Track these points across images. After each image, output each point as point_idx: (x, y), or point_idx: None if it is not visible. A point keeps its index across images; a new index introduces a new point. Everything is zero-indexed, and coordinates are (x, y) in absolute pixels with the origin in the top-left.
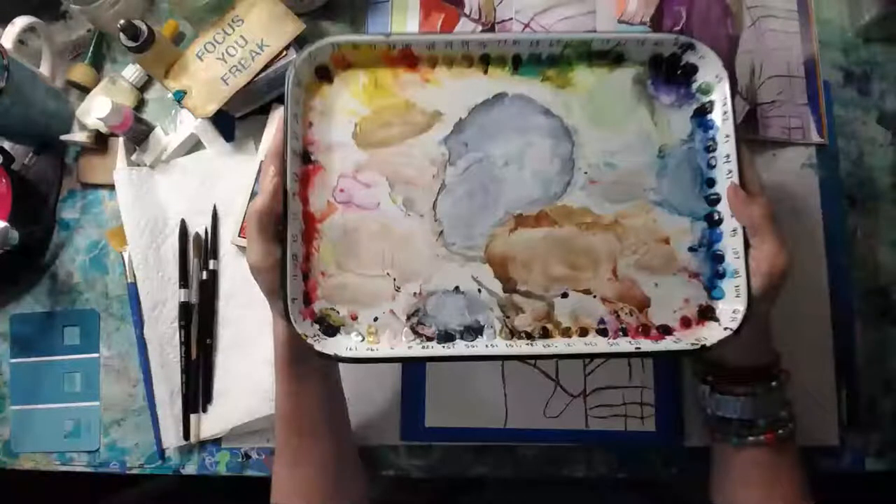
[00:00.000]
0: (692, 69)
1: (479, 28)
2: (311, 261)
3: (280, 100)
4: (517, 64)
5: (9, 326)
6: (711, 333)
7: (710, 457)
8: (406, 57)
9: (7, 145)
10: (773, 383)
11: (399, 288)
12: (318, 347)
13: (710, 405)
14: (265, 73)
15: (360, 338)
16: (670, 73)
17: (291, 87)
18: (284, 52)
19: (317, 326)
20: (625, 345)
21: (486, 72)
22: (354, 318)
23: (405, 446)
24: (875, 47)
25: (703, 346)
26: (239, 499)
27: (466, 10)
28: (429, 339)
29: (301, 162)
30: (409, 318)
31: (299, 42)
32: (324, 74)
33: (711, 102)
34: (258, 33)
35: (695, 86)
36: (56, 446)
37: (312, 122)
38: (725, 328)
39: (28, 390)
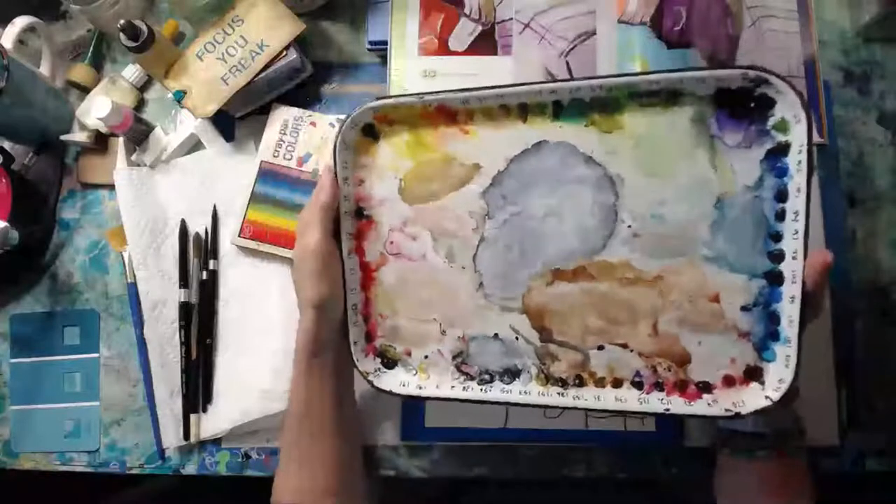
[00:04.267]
0: (768, 102)
1: (479, 28)
2: (370, 305)
3: (280, 99)
4: (558, 110)
5: (9, 326)
6: (751, 399)
7: (716, 464)
8: (443, 112)
9: (7, 145)
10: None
11: (445, 331)
12: (376, 383)
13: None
14: (265, 73)
15: (413, 372)
16: (739, 108)
17: (339, 151)
18: (284, 52)
19: (378, 360)
20: (655, 403)
21: (524, 120)
22: (409, 354)
23: (405, 446)
24: (875, 47)
25: (738, 414)
26: (239, 499)
27: (466, 10)
28: (471, 377)
29: (355, 219)
30: (454, 357)
31: (299, 42)
32: (370, 132)
33: (788, 143)
34: (258, 33)
35: (771, 121)
36: (56, 446)
37: (363, 179)
38: (766, 397)
39: (28, 390)
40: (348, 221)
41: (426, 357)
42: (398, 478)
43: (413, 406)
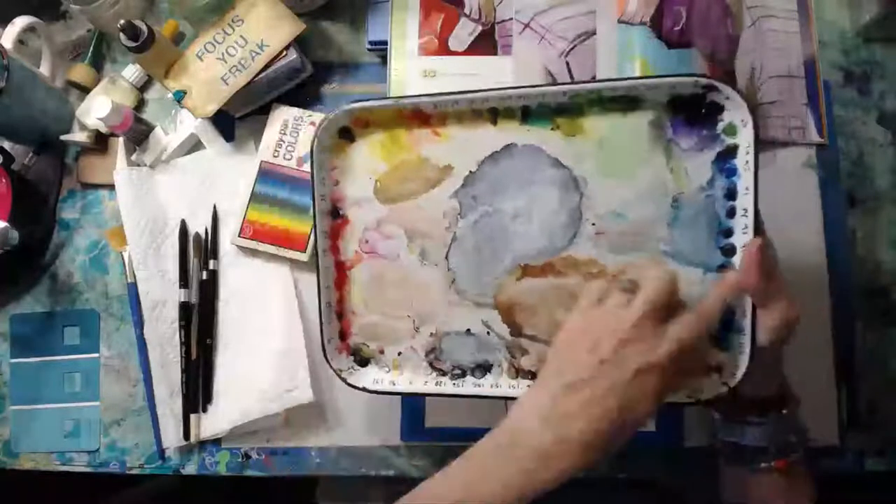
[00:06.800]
0: (717, 108)
1: (479, 28)
2: (343, 303)
3: (280, 99)
4: (526, 114)
5: (9, 326)
6: (708, 385)
7: (719, 476)
8: (418, 115)
9: (7, 145)
10: (784, 411)
11: (418, 328)
12: (350, 380)
13: (721, 431)
14: (265, 73)
15: (386, 369)
16: (692, 113)
17: (316, 153)
18: (284, 52)
19: (351, 359)
20: None
21: (495, 123)
22: (382, 352)
23: (405, 446)
24: (875, 47)
25: (698, 400)
26: (239, 499)
27: (466, 10)
28: (444, 373)
29: (331, 218)
30: (427, 354)
31: (299, 42)
32: (346, 135)
33: (736, 146)
34: (258, 33)
35: (720, 126)
36: (56, 446)
37: (339, 181)
38: (723, 383)
39: (28, 390)
40: (324, 220)
41: (399, 354)
42: (398, 478)
43: (413, 406)
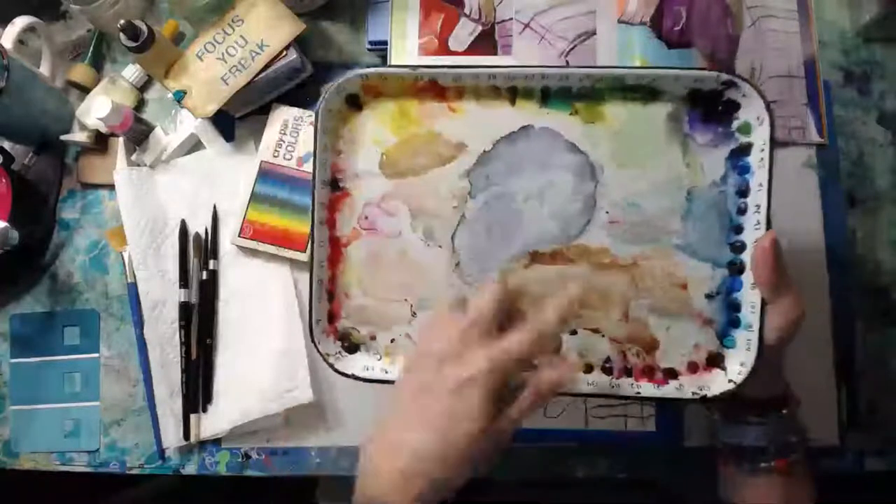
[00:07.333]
0: (734, 106)
1: (479, 28)
2: (335, 282)
3: (280, 99)
4: (546, 96)
5: (9, 326)
6: (715, 383)
7: (718, 476)
8: (433, 87)
9: (7, 145)
10: (784, 411)
11: (415, 313)
12: (338, 366)
13: (721, 431)
14: (265, 73)
15: (377, 356)
16: (709, 109)
17: (322, 117)
18: (284, 52)
19: (339, 343)
20: (626, 388)
21: (513, 103)
22: (373, 338)
23: None
24: (875, 47)
25: (704, 397)
26: (239, 499)
27: (466, 10)
28: None
29: (330, 189)
30: None
31: (299, 42)
32: (353, 102)
33: (750, 144)
34: (258, 33)
35: (735, 124)
36: (56, 446)
37: (341, 151)
38: (730, 380)
39: (28, 390)
40: (323, 191)
41: (392, 341)
42: None
43: None
